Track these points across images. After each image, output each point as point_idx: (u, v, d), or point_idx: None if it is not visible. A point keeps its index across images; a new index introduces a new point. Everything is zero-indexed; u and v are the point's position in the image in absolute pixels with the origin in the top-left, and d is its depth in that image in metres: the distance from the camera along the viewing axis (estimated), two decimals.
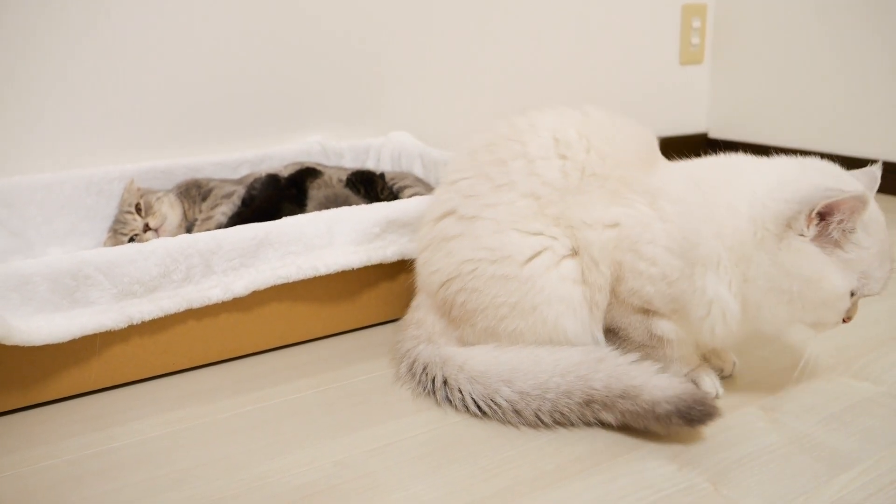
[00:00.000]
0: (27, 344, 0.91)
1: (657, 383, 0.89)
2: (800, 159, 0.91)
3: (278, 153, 1.83)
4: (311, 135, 1.95)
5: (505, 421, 0.91)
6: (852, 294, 0.83)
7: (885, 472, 0.80)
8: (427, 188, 1.62)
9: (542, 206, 0.93)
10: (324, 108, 1.94)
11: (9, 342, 0.89)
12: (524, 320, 0.95)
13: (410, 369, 1.02)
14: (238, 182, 1.68)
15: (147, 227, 1.50)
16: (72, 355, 0.99)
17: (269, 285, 1.08)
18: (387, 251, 1.16)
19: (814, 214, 0.80)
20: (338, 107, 1.96)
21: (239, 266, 1.06)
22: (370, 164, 1.93)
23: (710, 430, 0.89)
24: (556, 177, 0.93)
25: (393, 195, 1.56)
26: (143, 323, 1.01)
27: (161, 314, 1.01)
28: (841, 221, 0.80)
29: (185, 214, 1.58)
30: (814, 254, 0.81)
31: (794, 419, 0.91)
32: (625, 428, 0.89)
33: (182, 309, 1.03)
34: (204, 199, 1.59)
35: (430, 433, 0.91)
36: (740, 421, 0.91)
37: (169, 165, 1.68)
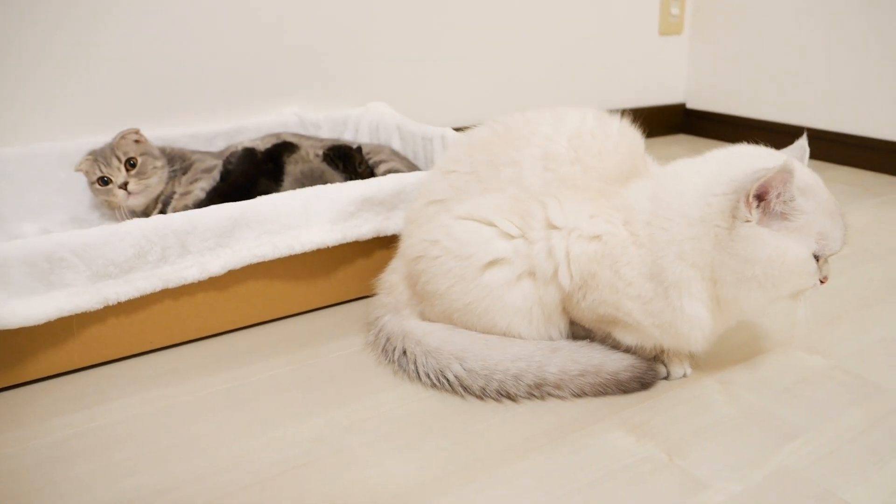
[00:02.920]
0: (4, 328, 0.93)
1: (614, 358, 0.97)
2: (728, 149, 0.95)
3: (254, 125, 1.83)
4: (287, 106, 1.94)
5: (454, 393, 0.96)
6: (817, 258, 0.86)
7: (826, 441, 0.85)
8: (403, 162, 1.64)
9: (519, 202, 0.95)
10: (300, 79, 1.94)
11: None
12: (477, 319, 0.99)
13: (377, 338, 1.07)
14: (219, 155, 1.69)
15: (125, 186, 1.50)
16: (49, 337, 1.00)
17: (245, 264, 1.10)
18: (362, 229, 1.18)
19: (751, 198, 0.83)
20: (314, 77, 1.96)
21: (215, 246, 1.08)
22: (348, 136, 1.93)
23: (669, 402, 0.94)
24: (537, 184, 0.95)
25: (370, 169, 1.58)
26: (119, 304, 1.03)
27: (137, 294, 1.03)
28: (778, 195, 0.83)
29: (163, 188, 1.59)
30: (765, 234, 0.84)
31: (749, 392, 0.96)
32: (581, 397, 0.95)
33: (158, 289, 1.05)
34: (185, 172, 1.60)
35: (404, 408, 0.94)
36: (698, 394, 0.96)
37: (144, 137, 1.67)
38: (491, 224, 0.96)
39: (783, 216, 0.84)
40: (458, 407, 0.94)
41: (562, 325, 0.99)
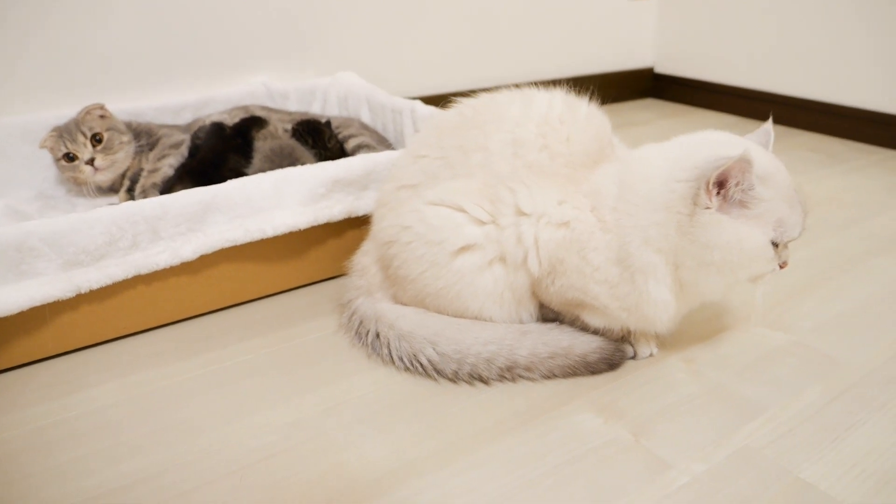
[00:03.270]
0: None
1: (582, 340, 1.00)
2: (694, 135, 0.95)
3: (222, 96, 1.80)
4: (255, 76, 1.92)
5: (427, 376, 0.98)
6: (776, 245, 0.88)
7: (786, 419, 0.89)
8: (373, 135, 1.63)
9: (489, 188, 0.96)
10: (267, 48, 1.91)
11: None
12: (449, 304, 1.00)
13: (350, 320, 1.09)
14: (186, 129, 1.66)
15: (91, 162, 1.48)
16: (21, 325, 1.00)
17: (217, 249, 1.10)
18: (333, 210, 1.18)
19: (711, 186, 0.84)
20: (281, 46, 1.92)
21: (186, 231, 1.08)
22: (316, 107, 1.91)
23: (636, 381, 0.97)
24: (507, 170, 0.96)
25: (339, 144, 1.57)
26: (91, 291, 1.02)
27: (109, 282, 1.03)
28: (737, 184, 0.84)
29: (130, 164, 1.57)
30: (724, 221, 0.86)
31: (712, 369, 1.00)
32: (551, 378, 0.97)
33: (130, 276, 1.05)
34: (151, 148, 1.57)
35: (379, 392, 0.96)
36: (663, 373, 0.99)
37: (111, 111, 1.64)
38: (461, 210, 0.97)
39: (742, 204, 0.86)
40: (432, 390, 0.97)
41: (532, 308, 1.01)
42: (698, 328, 1.10)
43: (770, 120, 0.98)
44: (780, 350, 1.04)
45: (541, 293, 0.99)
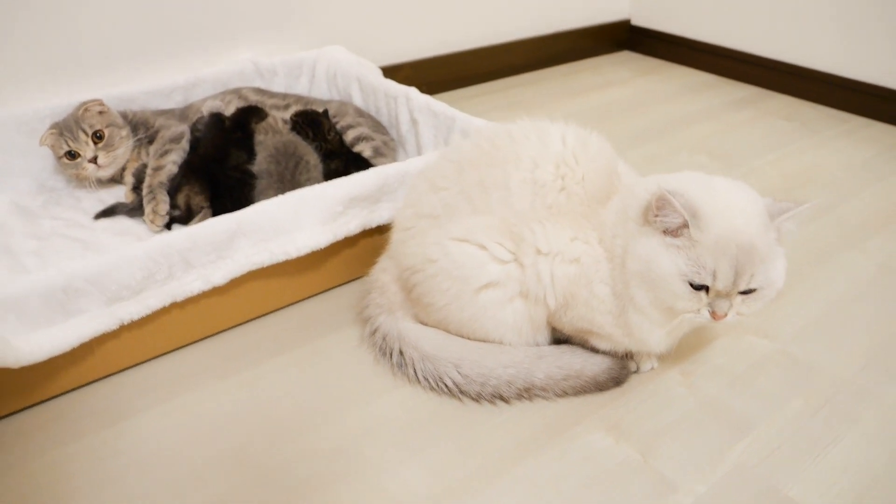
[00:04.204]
0: (34, 362, 0.98)
1: (592, 362, 1.10)
2: (688, 173, 1.02)
3: (211, 76, 1.80)
4: (241, 51, 1.90)
5: (451, 396, 1.08)
6: (698, 287, 0.92)
7: (773, 435, 1.02)
8: (369, 122, 1.66)
9: (509, 226, 1.03)
10: (251, 22, 1.89)
11: (17, 366, 0.96)
12: (471, 331, 1.10)
13: (373, 335, 1.17)
14: (182, 117, 1.67)
15: (94, 160, 1.50)
16: (69, 356, 1.06)
17: (244, 272, 1.15)
18: (350, 225, 1.24)
19: (653, 207, 0.92)
20: (265, 19, 1.91)
21: (216, 259, 1.13)
22: (304, 83, 1.92)
23: (639, 397, 1.08)
24: (526, 209, 1.02)
25: (338, 136, 1.60)
26: (132, 321, 1.08)
27: (148, 312, 1.09)
28: (660, 213, 0.92)
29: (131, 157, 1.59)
30: (649, 238, 0.94)
31: (707, 382, 1.11)
32: (563, 396, 1.08)
33: (167, 304, 1.10)
34: (150, 141, 1.59)
35: (408, 413, 1.06)
36: (663, 387, 1.11)
37: (101, 97, 1.63)
38: (484, 248, 1.04)
39: (672, 233, 0.93)
40: (457, 410, 1.06)
41: (546, 332, 1.11)
42: (695, 336, 1.20)
43: (809, 205, 0.95)
44: (765, 359, 1.16)
45: (554, 322, 1.08)
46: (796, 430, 1.03)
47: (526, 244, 1.02)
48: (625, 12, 2.68)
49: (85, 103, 1.51)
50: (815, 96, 2.21)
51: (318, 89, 1.90)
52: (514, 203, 1.03)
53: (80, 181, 1.57)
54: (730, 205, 0.94)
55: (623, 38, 2.70)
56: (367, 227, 1.27)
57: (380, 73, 1.83)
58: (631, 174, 1.10)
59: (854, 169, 1.80)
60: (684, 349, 1.17)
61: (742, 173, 1.78)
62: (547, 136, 1.06)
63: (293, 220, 1.18)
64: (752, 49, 2.35)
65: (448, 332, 1.13)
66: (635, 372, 1.13)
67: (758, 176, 1.76)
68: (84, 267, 1.02)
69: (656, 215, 0.93)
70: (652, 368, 1.14)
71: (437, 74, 2.24)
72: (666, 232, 0.93)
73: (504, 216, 1.04)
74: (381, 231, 1.30)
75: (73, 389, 1.10)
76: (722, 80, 2.44)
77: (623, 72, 2.52)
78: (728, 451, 0.99)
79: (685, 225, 0.91)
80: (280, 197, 1.19)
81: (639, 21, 2.67)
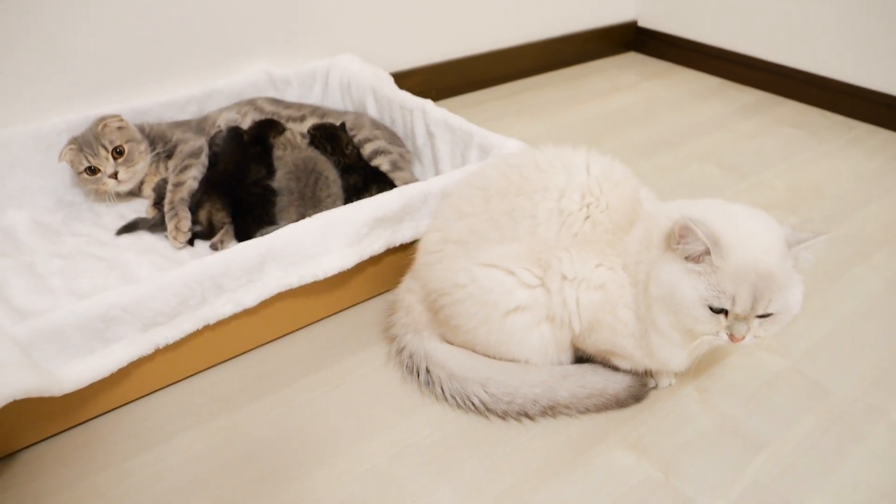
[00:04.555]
0: (76, 389, 1.01)
1: (613, 380, 1.14)
2: (711, 200, 1.05)
3: (226, 87, 1.82)
4: (254, 62, 1.92)
5: (479, 414, 1.12)
6: (718, 311, 0.95)
7: (787, 452, 1.06)
8: (385, 134, 1.69)
9: (536, 253, 1.06)
10: (263, 32, 1.90)
11: (61, 394, 0.99)
12: (498, 353, 1.14)
13: (399, 354, 1.20)
14: (198, 129, 1.69)
15: (115, 175, 1.53)
16: (106, 379, 1.09)
17: (274, 294, 1.19)
18: (375, 245, 1.27)
19: (676, 234, 0.96)
20: (277, 29, 1.92)
21: (247, 282, 1.16)
22: (317, 92, 1.94)
23: (658, 414, 1.12)
24: (553, 238, 1.06)
25: (356, 150, 1.63)
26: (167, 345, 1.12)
27: (182, 336, 1.12)
28: (683, 241, 0.95)
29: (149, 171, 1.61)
30: (672, 263, 0.97)
31: (721, 399, 1.15)
32: (586, 413, 1.12)
33: (200, 327, 1.13)
34: (168, 155, 1.61)
35: (437, 433, 1.10)
36: (680, 403, 1.15)
37: (117, 111, 1.66)
38: (512, 273, 1.07)
39: (694, 259, 0.96)
40: (484, 428, 1.10)
41: (570, 352, 1.15)
42: (709, 353, 1.23)
43: (826, 236, 0.99)
44: (777, 377, 1.20)
45: (578, 344, 1.12)
46: (809, 447, 1.07)
47: (552, 271, 1.06)
48: (631, 14, 2.70)
49: (104, 119, 1.53)
50: (822, 103, 2.24)
51: (331, 98, 1.92)
52: (541, 232, 1.06)
53: (99, 195, 1.60)
54: (750, 233, 0.98)
55: (629, 39, 2.73)
56: (391, 245, 1.30)
57: (393, 82, 1.86)
58: (652, 200, 1.14)
59: (861, 180, 1.84)
60: (698, 365, 1.21)
61: (751, 185, 1.81)
62: (572, 165, 1.09)
63: (321, 243, 1.21)
64: (758, 54, 2.38)
65: (474, 352, 1.16)
66: (654, 388, 1.17)
67: (767, 188, 1.80)
68: (121, 296, 1.05)
69: (679, 243, 0.96)
70: (669, 385, 1.17)
71: (446, 80, 2.27)
72: (688, 258, 0.97)
73: (531, 244, 1.07)
74: (404, 248, 1.34)
75: (110, 411, 1.13)
76: (728, 84, 2.46)
77: (630, 75, 2.54)
78: (745, 469, 1.03)
79: (707, 252, 0.95)
80: (307, 220, 1.22)
81: (645, 23, 2.69)
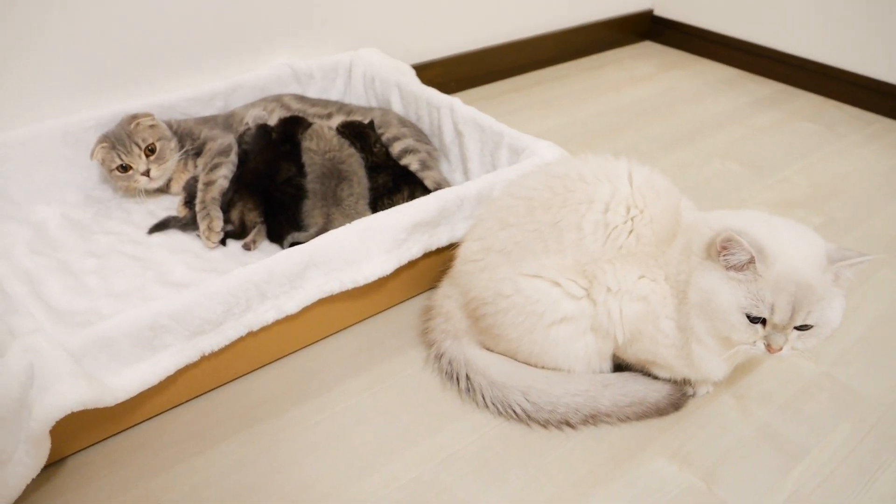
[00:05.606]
0: (127, 398, 1.02)
1: (653, 389, 1.16)
2: (753, 211, 1.08)
3: (249, 81, 1.81)
4: (276, 55, 1.91)
5: (520, 422, 1.13)
6: (755, 320, 0.97)
7: (825, 461, 1.08)
8: (413, 132, 1.69)
9: (582, 266, 1.07)
10: (284, 25, 1.89)
11: (113, 404, 1.00)
12: (541, 362, 1.16)
13: (438, 360, 1.22)
14: (225, 125, 1.69)
15: (147, 173, 1.53)
16: (154, 387, 1.10)
17: (315, 300, 1.19)
18: (413, 250, 1.28)
19: (718, 245, 0.97)
20: (298, 21, 1.90)
21: (290, 289, 1.17)
22: (340, 86, 1.94)
23: (696, 422, 1.14)
24: (598, 250, 1.06)
25: (384, 148, 1.62)
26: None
27: (227, 342, 1.13)
28: (733, 253, 0.97)
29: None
30: (711, 270, 0.99)
31: (758, 406, 1.17)
32: (626, 421, 1.14)
33: (243, 334, 1.14)
34: (197, 153, 1.61)
35: (481, 440, 1.11)
36: (718, 411, 1.17)
37: (143, 105, 1.66)
38: (557, 284, 1.08)
39: (736, 267, 0.98)
40: (527, 436, 1.12)
41: (610, 362, 1.16)
42: (745, 360, 1.25)
43: (870, 258, 0.99)
44: (811, 383, 1.22)
45: (620, 353, 1.14)
46: (846, 455, 1.09)
47: (598, 282, 1.07)
48: (648, 2, 2.69)
49: (136, 117, 1.53)
50: (839, 95, 2.24)
51: (354, 92, 1.92)
52: (586, 244, 1.07)
53: (129, 192, 1.60)
54: (791, 244, 0.99)
55: (645, 28, 2.71)
56: (428, 250, 1.31)
57: (415, 75, 1.85)
58: (692, 210, 1.14)
59: (881, 177, 1.85)
60: (734, 373, 1.22)
61: (774, 182, 1.82)
62: (616, 176, 1.10)
63: (361, 249, 1.22)
64: (774, 45, 2.37)
65: (515, 360, 1.18)
66: (692, 396, 1.18)
67: (789, 186, 1.81)
68: (169, 305, 1.06)
69: (722, 255, 0.97)
70: (707, 393, 1.19)
71: (466, 71, 2.26)
72: (729, 267, 0.98)
73: (576, 256, 1.08)
74: (438, 252, 1.34)
75: (156, 415, 1.14)
76: (744, 74, 2.46)
77: (646, 66, 2.53)
78: (785, 478, 1.06)
79: (751, 260, 0.96)
80: (346, 226, 1.22)
81: (661, 12, 2.68)
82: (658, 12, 2.69)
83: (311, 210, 1.47)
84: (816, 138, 2.05)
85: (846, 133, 2.08)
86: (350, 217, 1.41)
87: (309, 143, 1.59)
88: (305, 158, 1.57)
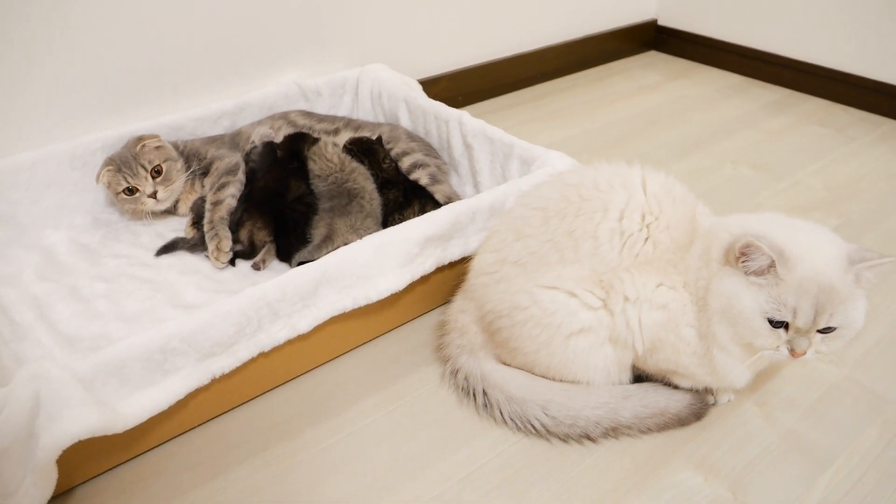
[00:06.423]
0: (137, 424, 1.00)
1: (675, 399, 1.13)
2: (770, 214, 1.06)
3: (256, 100, 1.81)
4: (283, 73, 1.91)
5: (539, 437, 1.11)
6: (778, 324, 0.95)
7: (854, 467, 1.05)
8: (422, 146, 1.68)
9: (599, 275, 1.05)
10: (291, 43, 1.89)
11: (123, 429, 0.98)
12: (559, 374, 1.13)
13: (454, 376, 1.19)
14: (232, 145, 1.68)
15: (154, 195, 1.52)
16: (163, 410, 1.08)
17: (328, 318, 1.18)
18: (426, 265, 1.26)
19: (738, 251, 0.95)
20: (305, 39, 1.90)
21: (302, 308, 1.15)
22: (347, 102, 1.93)
23: (720, 432, 1.12)
24: (614, 259, 1.04)
25: (394, 163, 1.61)
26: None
27: (238, 364, 1.11)
28: (755, 258, 0.95)
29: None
30: (732, 275, 0.97)
31: (782, 413, 1.15)
32: (647, 433, 1.11)
33: (255, 355, 1.12)
34: (204, 173, 1.60)
35: (502, 457, 1.09)
36: (741, 419, 1.14)
37: (150, 127, 1.66)
38: (574, 295, 1.06)
39: (756, 272, 0.96)
40: (547, 451, 1.09)
41: (629, 372, 1.14)
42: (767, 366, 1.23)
43: (891, 259, 0.96)
44: (834, 388, 1.19)
45: (640, 364, 1.11)
46: (874, 460, 1.06)
47: (615, 292, 1.05)
48: (652, 12, 2.68)
49: (142, 139, 1.52)
50: (846, 99, 2.23)
51: (362, 108, 1.91)
52: (603, 253, 1.05)
53: (136, 214, 1.59)
54: (811, 246, 0.97)
55: (650, 38, 2.71)
56: (441, 264, 1.29)
57: (422, 91, 1.84)
58: (708, 215, 1.12)
59: (892, 179, 1.83)
60: (756, 379, 1.20)
61: (788, 186, 1.80)
62: (630, 183, 1.08)
63: (375, 265, 1.20)
64: (780, 51, 2.36)
65: (533, 373, 1.15)
66: (713, 405, 1.16)
67: (804, 189, 1.79)
68: (180, 327, 1.04)
69: (741, 260, 0.95)
70: (729, 401, 1.17)
71: (473, 85, 2.25)
72: (750, 272, 0.96)
73: (593, 265, 1.06)
74: (451, 266, 1.33)
75: (167, 441, 1.12)
76: (751, 81, 2.45)
77: (653, 75, 2.52)
78: (813, 486, 1.03)
79: (772, 265, 0.94)
80: (359, 242, 1.21)
81: (665, 21, 2.67)
82: (662, 22, 2.69)
83: (318, 223, 1.46)
84: (827, 141, 2.03)
85: (856, 135, 2.06)
86: (355, 229, 1.39)
87: (312, 166, 1.58)
88: (312, 183, 1.55)
